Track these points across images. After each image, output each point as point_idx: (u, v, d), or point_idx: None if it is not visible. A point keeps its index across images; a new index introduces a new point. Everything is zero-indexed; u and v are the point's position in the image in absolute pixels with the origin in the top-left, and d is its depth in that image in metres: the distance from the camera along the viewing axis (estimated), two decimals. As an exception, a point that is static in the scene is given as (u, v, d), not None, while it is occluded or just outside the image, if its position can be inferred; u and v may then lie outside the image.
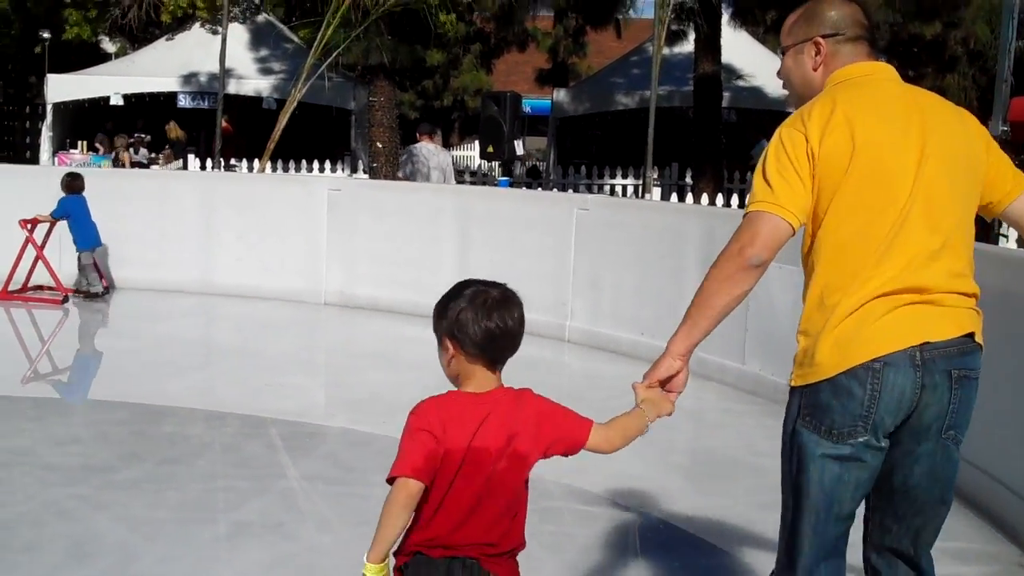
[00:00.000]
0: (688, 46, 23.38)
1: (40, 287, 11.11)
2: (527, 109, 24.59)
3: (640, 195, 16.41)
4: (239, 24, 25.67)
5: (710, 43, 20.39)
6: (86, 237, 11.00)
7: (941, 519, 3.04)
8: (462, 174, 23.73)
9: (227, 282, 11.40)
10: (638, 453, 6.30)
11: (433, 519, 2.66)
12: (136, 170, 20.49)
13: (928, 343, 2.79)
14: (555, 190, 21.41)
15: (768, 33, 25.82)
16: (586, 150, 28.14)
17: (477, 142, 29.38)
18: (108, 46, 33.96)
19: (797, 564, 2.98)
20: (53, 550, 4.68)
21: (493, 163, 18.61)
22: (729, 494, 5.86)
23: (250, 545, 4.83)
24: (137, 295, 11.33)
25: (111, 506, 5.20)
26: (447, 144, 42.94)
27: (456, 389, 2.74)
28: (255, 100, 24.32)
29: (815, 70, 3.10)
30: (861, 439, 2.82)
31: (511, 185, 14.91)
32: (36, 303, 10.76)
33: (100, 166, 22.09)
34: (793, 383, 2.96)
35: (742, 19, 23.07)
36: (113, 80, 25.15)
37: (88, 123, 26.39)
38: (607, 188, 23.65)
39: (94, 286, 11.04)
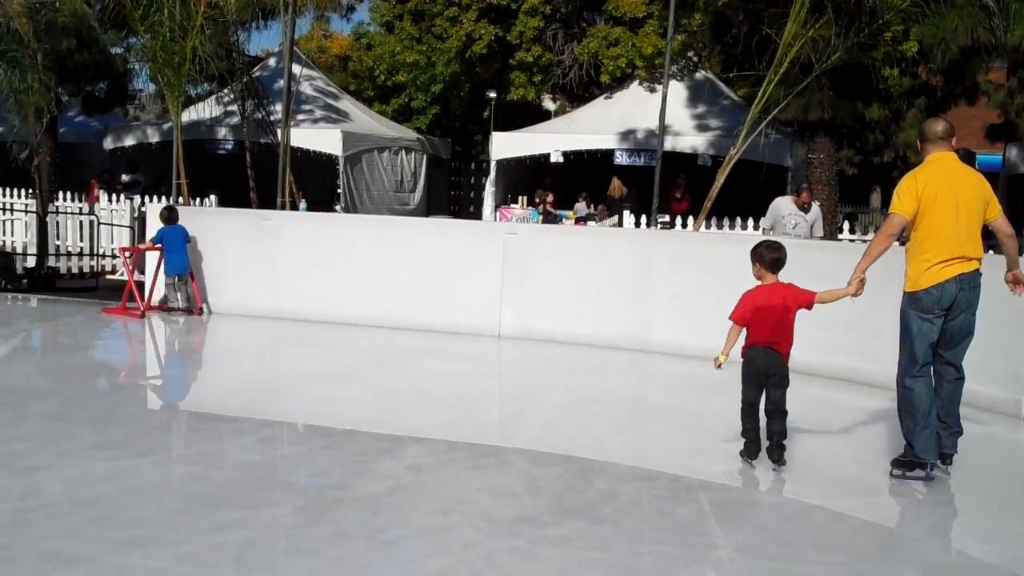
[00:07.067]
0: None
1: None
2: (976, 166, 23.25)
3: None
4: (677, 81, 25.94)
5: None
6: (173, 263, 13.20)
7: (967, 346, 6.88)
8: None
9: (660, 339, 11.42)
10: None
11: (755, 332, 6.90)
12: (578, 227, 21.09)
13: (962, 274, 6.65)
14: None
15: None
16: (1046, 208, 26.24)
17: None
18: (549, 104, 35.44)
19: (917, 362, 6.76)
20: (487, 603, 4.74)
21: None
22: None
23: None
24: (568, 349, 11.58)
25: (542, 561, 5.24)
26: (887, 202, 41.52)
27: (760, 283, 6.95)
28: (690, 156, 24.43)
29: (926, 154, 6.96)
30: (936, 313, 6.68)
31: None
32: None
33: (536, 221, 22.95)
34: (906, 289, 6.81)
35: None
36: (553, 138, 26.03)
37: (528, 179, 27.49)
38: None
39: (172, 303, 13.41)
